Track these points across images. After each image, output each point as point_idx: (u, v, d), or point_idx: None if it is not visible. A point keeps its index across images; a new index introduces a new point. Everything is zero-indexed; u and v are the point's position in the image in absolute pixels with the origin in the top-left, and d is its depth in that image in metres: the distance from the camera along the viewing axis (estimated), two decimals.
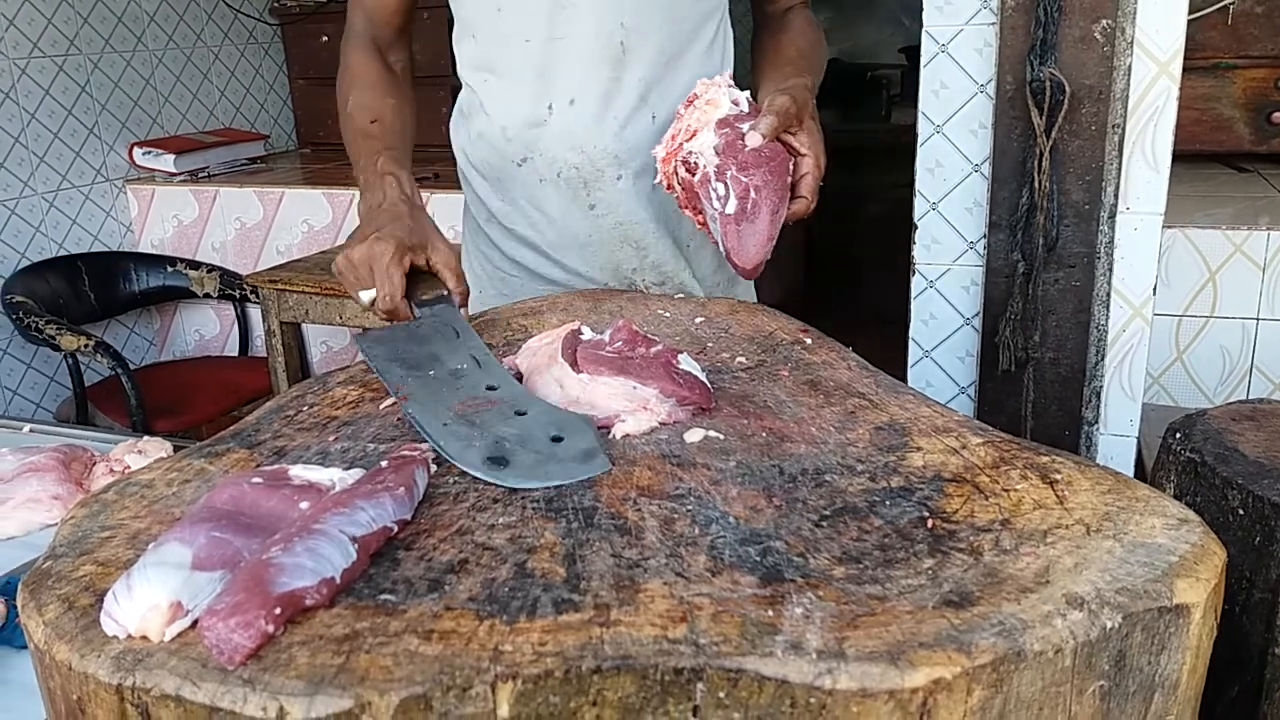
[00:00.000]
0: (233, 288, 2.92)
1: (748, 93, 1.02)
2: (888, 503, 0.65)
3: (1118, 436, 1.78)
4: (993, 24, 1.67)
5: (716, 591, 0.55)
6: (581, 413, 0.78)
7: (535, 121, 1.14)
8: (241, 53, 3.45)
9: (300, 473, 0.66)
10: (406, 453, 0.71)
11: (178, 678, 0.50)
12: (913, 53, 4.55)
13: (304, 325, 2.78)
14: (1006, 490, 0.66)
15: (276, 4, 3.51)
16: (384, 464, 0.68)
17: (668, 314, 1.05)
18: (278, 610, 0.52)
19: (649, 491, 0.67)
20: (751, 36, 1.23)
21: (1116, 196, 1.64)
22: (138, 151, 3.01)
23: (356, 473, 0.68)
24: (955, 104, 1.74)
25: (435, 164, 2.65)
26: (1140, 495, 0.64)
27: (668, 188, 1.04)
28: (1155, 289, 1.70)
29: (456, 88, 1.25)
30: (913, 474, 0.69)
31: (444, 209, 2.68)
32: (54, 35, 2.81)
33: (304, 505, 0.62)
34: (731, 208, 0.94)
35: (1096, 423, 1.76)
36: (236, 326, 3.05)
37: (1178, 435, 0.92)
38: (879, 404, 0.80)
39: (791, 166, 0.98)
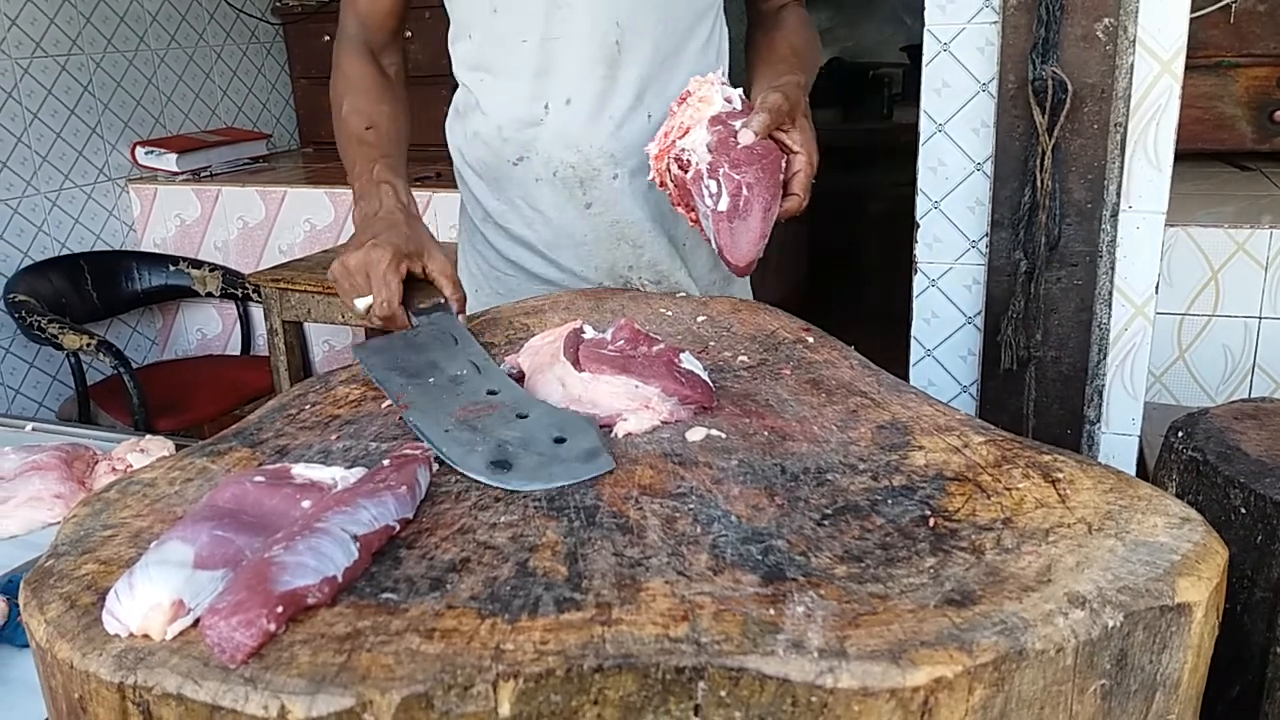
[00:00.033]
0: (235, 287, 2.93)
1: (740, 90, 1.02)
2: (890, 501, 0.65)
3: (1119, 435, 1.78)
4: (995, 22, 1.66)
5: (718, 590, 0.55)
6: (584, 413, 0.78)
7: (531, 121, 1.14)
8: (244, 52, 3.45)
9: (302, 471, 0.66)
10: (408, 451, 0.71)
11: (179, 676, 0.50)
12: (914, 51, 4.55)
13: (306, 324, 2.78)
14: (1008, 489, 0.66)
15: (279, 4, 3.51)
16: (386, 463, 0.68)
17: (669, 313, 1.05)
18: (279, 609, 0.52)
19: (651, 490, 0.67)
20: (745, 34, 1.23)
21: (1119, 195, 1.64)
22: (140, 151, 3.02)
23: (358, 471, 0.68)
24: (957, 102, 1.74)
25: (437, 163, 2.65)
26: (1142, 494, 0.64)
27: (660, 185, 1.04)
28: (1157, 288, 1.70)
29: (456, 87, 1.25)
30: (915, 473, 0.68)
31: (446, 208, 2.68)
32: (56, 35, 2.81)
33: (306, 504, 0.63)
34: (724, 205, 0.94)
35: (1098, 421, 1.76)
36: (239, 326, 3.06)
37: (1180, 434, 0.92)
38: (881, 403, 0.80)
39: (784, 164, 0.98)
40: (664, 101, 1.11)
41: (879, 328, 2.00)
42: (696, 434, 0.75)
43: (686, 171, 0.97)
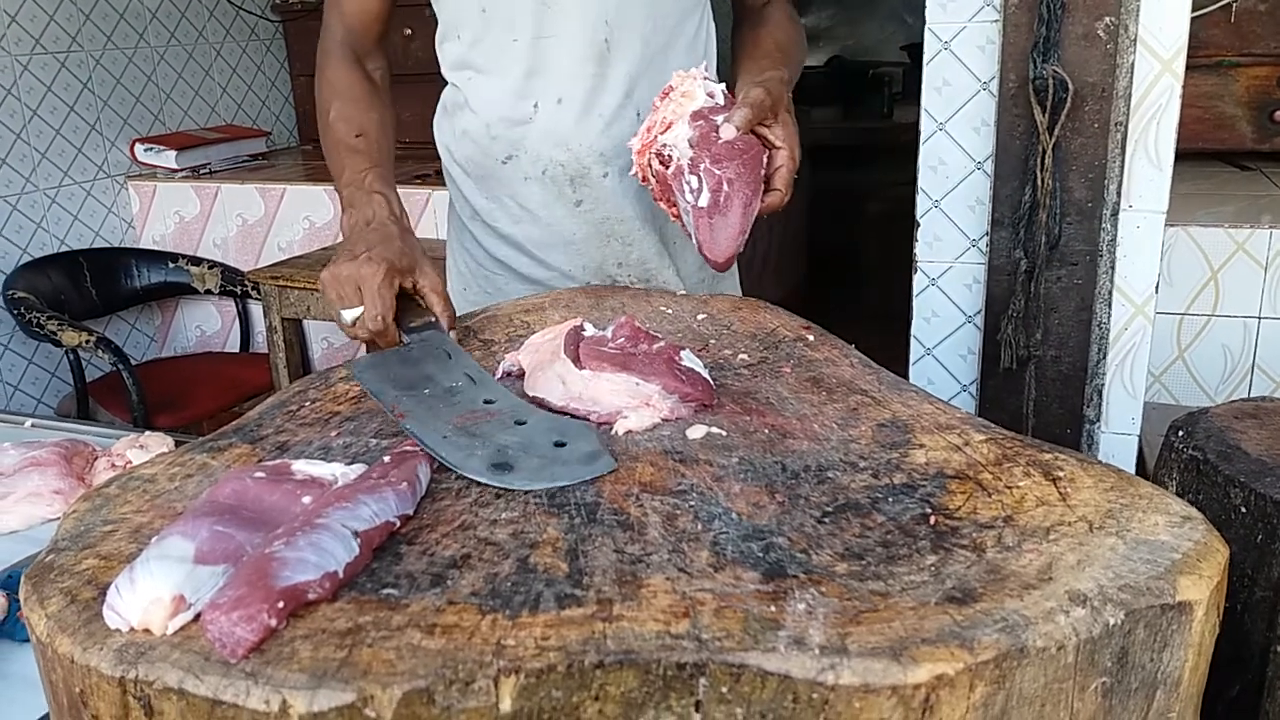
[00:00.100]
0: (234, 284, 2.93)
1: (723, 85, 1.02)
2: (890, 499, 0.65)
3: (1119, 435, 1.78)
4: (996, 21, 1.66)
5: (719, 587, 0.55)
6: (584, 410, 0.78)
7: (520, 119, 1.14)
8: (244, 49, 3.45)
9: (303, 467, 0.66)
10: (409, 448, 0.71)
11: (180, 671, 0.50)
12: (914, 50, 4.55)
13: (305, 321, 2.78)
14: (1009, 487, 0.66)
15: (278, 1, 3.51)
16: (386, 459, 0.68)
17: (670, 310, 1.05)
18: (280, 604, 0.52)
19: (651, 487, 0.67)
20: (731, 30, 1.23)
21: (1119, 194, 1.64)
22: (139, 148, 3.01)
23: (359, 468, 0.68)
24: (958, 101, 1.74)
25: (436, 161, 2.65)
26: (1143, 492, 0.64)
27: (643, 180, 1.04)
28: (1157, 287, 1.70)
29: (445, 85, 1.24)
30: (915, 471, 0.68)
31: (445, 206, 2.68)
32: (56, 32, 2.81)
33: (306, 500, 0.62)
34: (704, 200, 0.94)
35: (1098, 421, 1.76)
36: (238, 323, 3.05)
37: (1180, 433, 0.92)
38: (881, 401, 0.80)
39: (766, 159, 0.98)
40: (653, 99, 1.11)
41: (878, 327, 2.00)
42: (697, 431, 0.75)
43: (668, 167, 0.97)
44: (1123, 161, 1.62)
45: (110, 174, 3.01)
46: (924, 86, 1.75)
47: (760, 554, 0.58)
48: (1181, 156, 1.69)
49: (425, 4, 1.20)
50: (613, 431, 0.76)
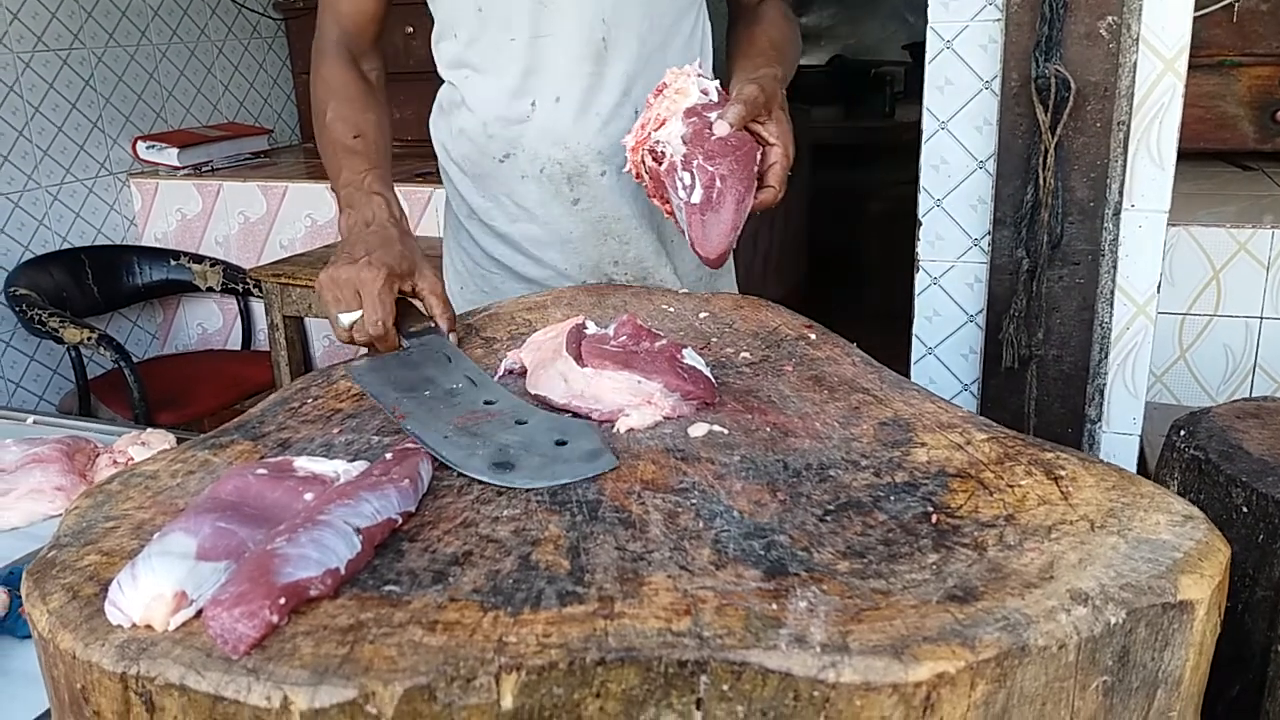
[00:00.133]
0: (235, 282, 2.93)
1: (717, 82, 1.02)
2: (892, 498, 0.65)
3: (1120, 434, 1.78)
4: (998, 20, 1.66)
5: (720, 585, 0.55)
6: (586, 408, 0.78)
7: (518, 118, 1.14)
8: (245, 47, 3.45)
9: (305, 464, 0.66)
10: (410, 445, 0.71)
11: (182, 667, 0.50)
12: (916, 49, 4.55)
13: (307, 319, 2.78)
14: (1011, 486, 0.66)
15: None
16: (388, 456, 0.68)
17: (672, 309, 1.05)
18: (282, 600, 0.52)
19: (653, 485, 0.67)
20: (726, 29, 1.23)
21: (1121, 194, 1.63)
22: (141, 145, 3.01)
23: (361, 465, 0.68)
24: (960, 100, 1.74)
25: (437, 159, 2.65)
26: (1145, 492, 0.64)
27: (636, 177, 1.04)
28: (1159, 287, 1.70)
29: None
30: (917, 469, 0.68)
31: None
32: (58, 29, 2.81)
33: (308, 496, 0.63)
34: (697, 197, 0.94)
35: (1099, 420, 1.76)
36: (239, 320, 3.05)
37: (1182, 432, 0.92)
38: (883, 399, 0.80)
39: (759, 156, 0.98)
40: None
41: (879, 327, 2.00)
42: (699, 429, 0.75)
43: (661, 163, 0.97)
44: (1125, 161, 1.62)
45: (112, 171, 3.01)
46: (926, 85, 1.75)
47: (762, 552, 0.58)
48: (1183, 156, 1.69)
49: (423, 1, 1.19)
50: (614, 429, 0.76)
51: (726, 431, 0.75)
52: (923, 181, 1.80)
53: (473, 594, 0.55)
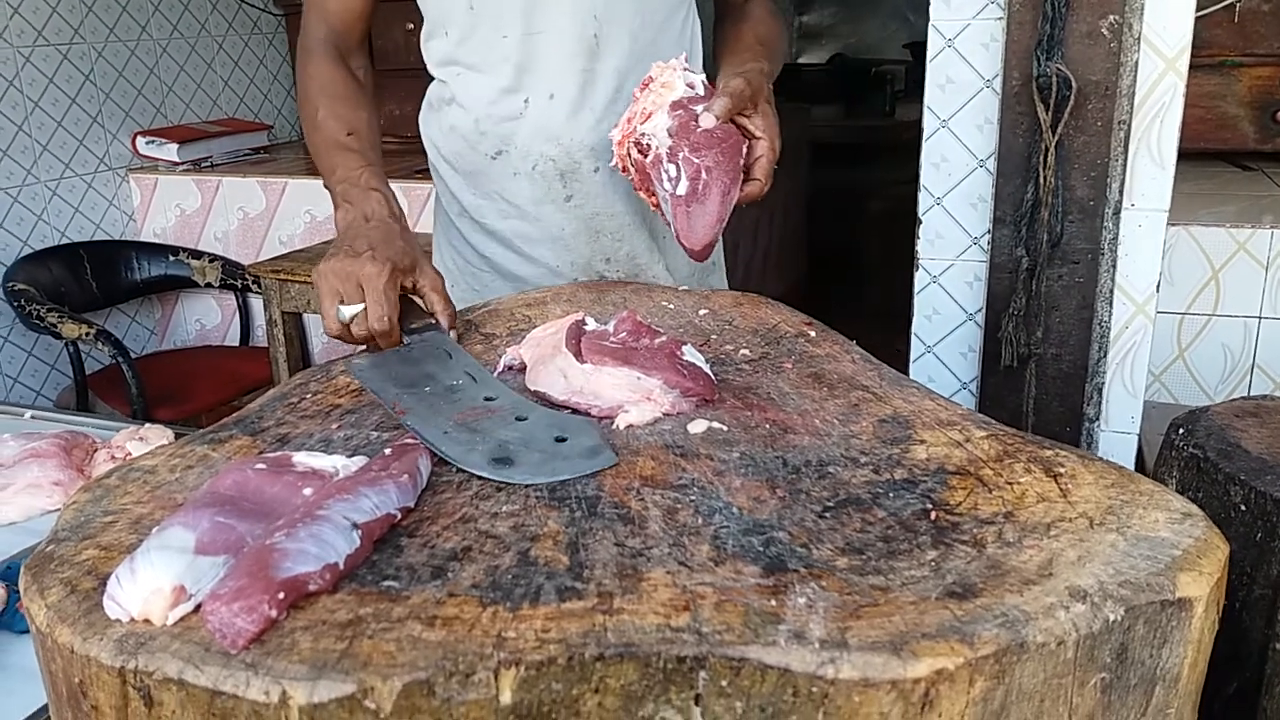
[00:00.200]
0: (234, 277, 2.92)
1: (703, 76, 1.02)
2: (891, 495, 0.65)
3: (1119, 434, 1.78)
4: (1000, 19, 1.66)
5: (719, 581, 0.55)
6: (585, 404, 0.78)
7: (511, 115, 1.14)
8: (246, 43, 3.44)
9: (304, 459, 0.66)
10: (409, 441, 0.71)
11: (180, 661, 0.50)
12: (917, 48, 4.55)
13: (305, 315, 2.77)
14: (1010, 483, 0.66)
15: None
16: (387, 451, 0.68)
17: (671, 306, 1.05)
18: (281, 595, 0.52)
19: (652, 481, 0.67)
20: (713, 27, 1.24)
21: (1121, 193, 1.63)
22: (141, 140, 3.01)
23: (360, 460, 0.68)
24: (961, 99, 1.74)
25: None
26: (1144, 489, 0.64)
27: (623, 170, 1.04)
28: (1159, 286, 1.70)
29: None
30: (916, 466, 0.68)
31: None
32: (58, 24, 2.80)
33: (307, 491, 0.62)
34: (682, 188, 0.94)
35: (1098, 419, 1.76)
36: (238, 316, 3.05)
37: (1181, 431, 0.92)
38: (882, 397, 0.80)
39: (745, 149, 0.98)
40: None
41: (879, 325, 2.00)
42: (698, 426, 0.75)
43: (646, 155, 0.98)
44: (1125, 160, 1.62)
45: (111, 166, 3.00)
46: (927, 83, 1.75)
47: (761, 548, 0.58)
48: (1183, 156, 1.69)
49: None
50: (614, 426, 0.76)
51: (726, 428, 0.75)
52: (923, 180, 1.80)
53: (472, 589, 0.55)
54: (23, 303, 2.47)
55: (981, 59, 1.71)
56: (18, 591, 0.82)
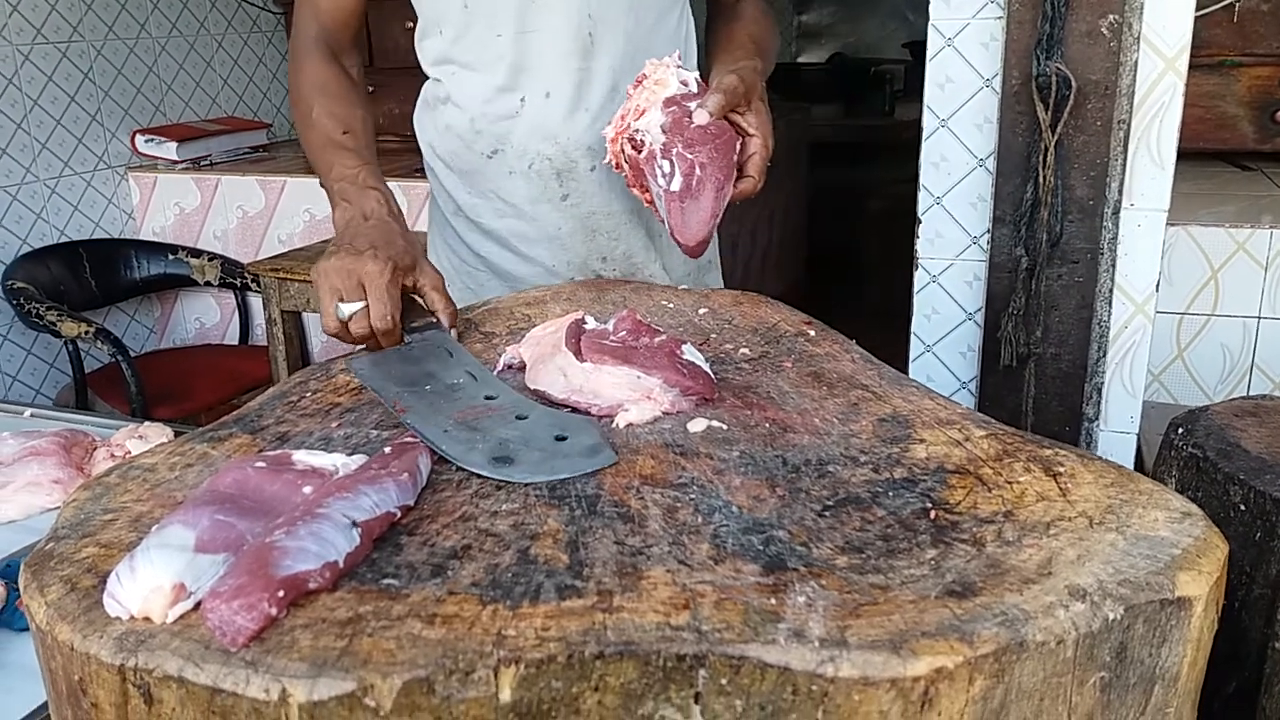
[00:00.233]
0: (234, 276, 2.92)
1: (696, 73, 1.02)
2: (890, 494, 0.65)
3: (1118, 433, 1.78)
4: (1000, 18, 1.66)
5: (719, 579, 0.55)
6: (585, 403, 0.78)
7: (507, 114, 1.14)
8: (245, 41, 3.44)
9: (303, 458, 0.66)
10: (409, 439, 0.71)
11: (180, 659, 0.50)
12: (916, 48, 4.55)
13: (305, 314, 2.77)
14: (1009, 482, 0.66)
15: None
16: (387, 450, 0.68)
17: (671, 305, 1.05)
18: (281, 593, 0.52)
19: (652, 480, 0.67)
20: (705, 25, 1.24)
21: (1121, 192, 1.63)
22: (140, 139, 3.01)
23: (359, 458, 0.68)
24: (960, 98, 1.74)
25: None
26: (1143, 488, 0.64)
27: (616, 166, 1.04)
28: (1158, 286, 1.70)
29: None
30: (916, 465, 0.69)
31: None
32: (57, 21, 2.80)
33: (307, 490, 0.62)
34: (676, 184, 0.94)
35: (1097, 419, 1.76)
36: (237, 315, 3.05)
37: (1180, 430, 0.92)
38: (882, 396, 0.80)
39: (739, 146, 0.98)
40: None
41: (878, 325, 2.00)
42: (698, 425, 0.75)
43: (640, 151, 0.98)
44: (1125, 160, 1.62)
45: (111, 165, 3.00)
46: (926, 83, 1.75)
47: (760, 547, 0.59)
48: (1183, 156, 1.69)
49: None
50: (614, 424, 0.76)
51: (725, 427, 0.75)
52: (922, 179, 1.80)
53: (471, 587, 0.55)
54: (22, 301, 2.47)
55: (981, 58, 1.71)
56: (17, 589, 0.82)
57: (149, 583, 0.53)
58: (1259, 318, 1.91)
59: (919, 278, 1.85)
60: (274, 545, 0.55)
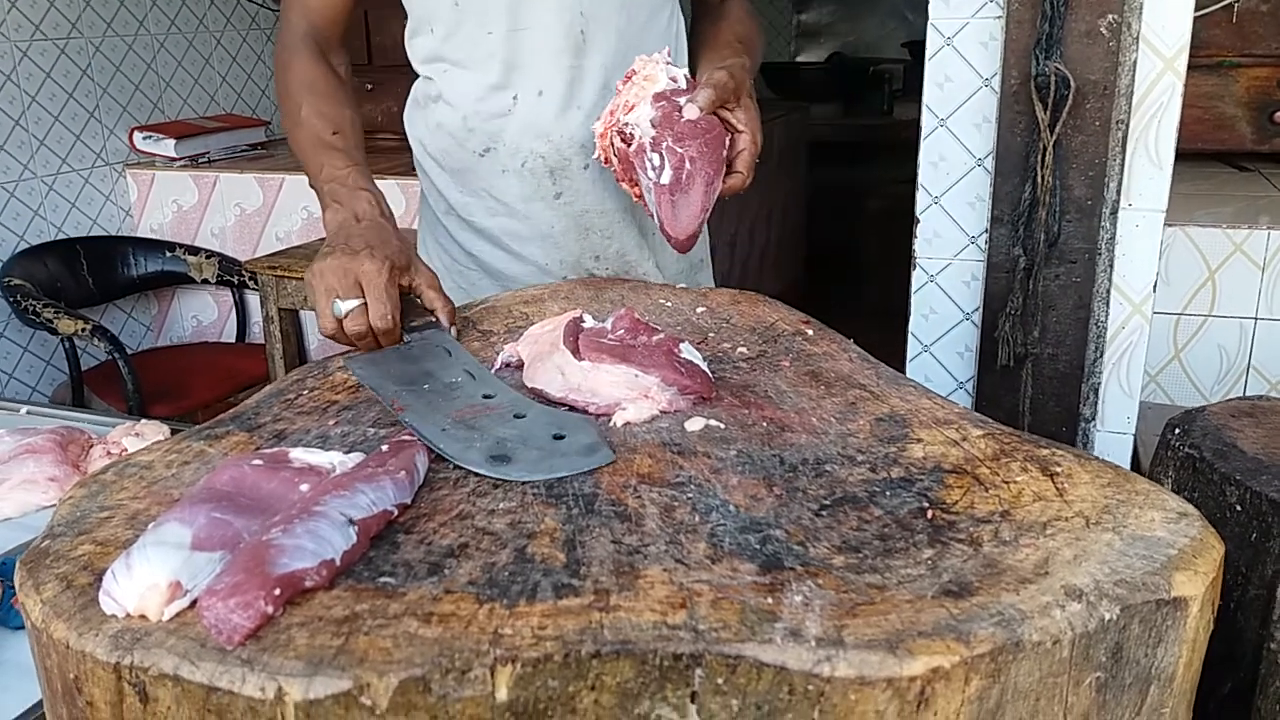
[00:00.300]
0: (231, 274, 2.92)
1: (686, 70, 1.02)
2: (888, 493, 0.65)
3: (1115, 434, 1.78)
4: (999, 18, 1.66)
5: (716, 578, 0.55)
6: (583, 401, 0.78)
7: (499, 112, 1.14)
8: (244, 38, 3.43)
9: (300, 455, 0.66)
10: (406, 437, 0.71)
11: (176, 657, 0.50)
12: (915, 47, 4.55)
13: (302, 312, 2.77)
14: (1006, 482, 0.66)
15: None
16: (384, 448, 0.68)
17: (669, 303, 1.05)
18: (277, 591, 0.52)
19: (649, 479, 0.67)
20: (690, 26, 1.24)
21: (1119, 193, 1.64)
22: (138, 136, 3.00)
23: (356, 456, 0.68)
24: (959, 98, 1.74)
25: None
26: (1140, 489, 0.64)
27: (605, 161, 1.04)
28: (1155, 286, 1.70)
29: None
30: (913, 465, 0.69)
31: None
32: (56, 18, 2.79)
33: (304, 488, 0.62)
34: (666, 178, 0.94)
35: (1094, 419, 1.76)
36: (234, 313, 3.05)
37: (1177, 431, 0.93)
38: (880, 395, 0.80)
39: (728, 142, 0.98)
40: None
41: (876, 324, 2.00)
42: (695, 424, 0.75)
43: (630, 145, 0.98)
44: (1123, 160, 1.62)
45: (108, 162, 3.00)
46: (925, 82, 1.75)
47: (757, 546, 0.59)
48: (1181, 157, 1.69)
49: None
50: (611, 423, 0.76)
51: (723, 426, 0.75)
52: (921, 179, 1.80)
53: (468, 586, 0.55)
54: (19, 298, 2.47)
55: (980, 58, 1.71)
56: (13, 587, 0.81)
57: (145, 580, 0.53)
58: (1256, 319, 1.91)
59: (917, 277, 1.85)
60: (270, 543, 0.55)
